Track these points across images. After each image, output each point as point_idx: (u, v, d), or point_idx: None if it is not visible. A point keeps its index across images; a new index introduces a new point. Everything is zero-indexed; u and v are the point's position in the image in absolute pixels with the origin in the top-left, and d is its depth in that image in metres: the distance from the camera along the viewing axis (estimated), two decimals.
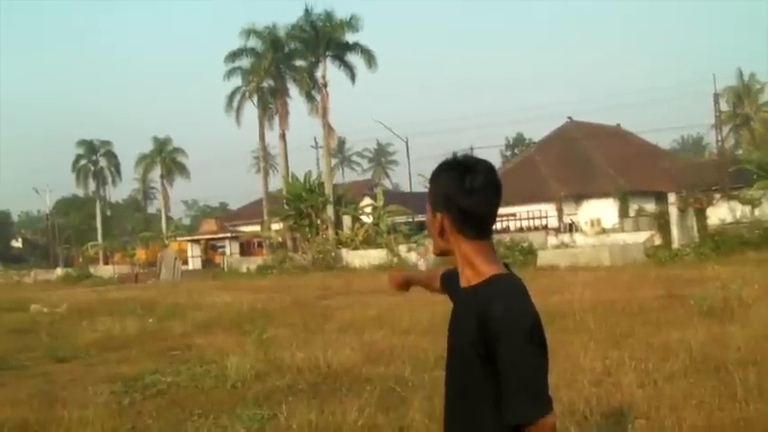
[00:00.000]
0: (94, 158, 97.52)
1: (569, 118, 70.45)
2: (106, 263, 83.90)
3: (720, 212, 44.42)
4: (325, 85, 61.10)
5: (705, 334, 12.65)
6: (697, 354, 11.02)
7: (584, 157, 61.26)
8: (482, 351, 2.65)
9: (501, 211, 2.92)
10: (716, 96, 59.74)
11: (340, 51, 61.50)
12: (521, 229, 54.77)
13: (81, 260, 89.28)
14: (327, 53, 61.34)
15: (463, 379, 2.78)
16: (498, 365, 2.61)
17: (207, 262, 76.22)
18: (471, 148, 76.31)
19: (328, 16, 60.02)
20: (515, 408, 2.60)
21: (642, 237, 42.24)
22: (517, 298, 2.71)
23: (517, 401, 2.60)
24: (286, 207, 60.44)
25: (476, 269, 2.81)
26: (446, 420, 2.97)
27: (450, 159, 2.91)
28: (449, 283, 3.19)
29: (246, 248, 76.38)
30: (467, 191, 2.77)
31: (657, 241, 40.52)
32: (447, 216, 2.82)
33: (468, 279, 2.84)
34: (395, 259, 46.20)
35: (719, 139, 61.36)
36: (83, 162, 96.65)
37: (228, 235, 77.63)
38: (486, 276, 2.78)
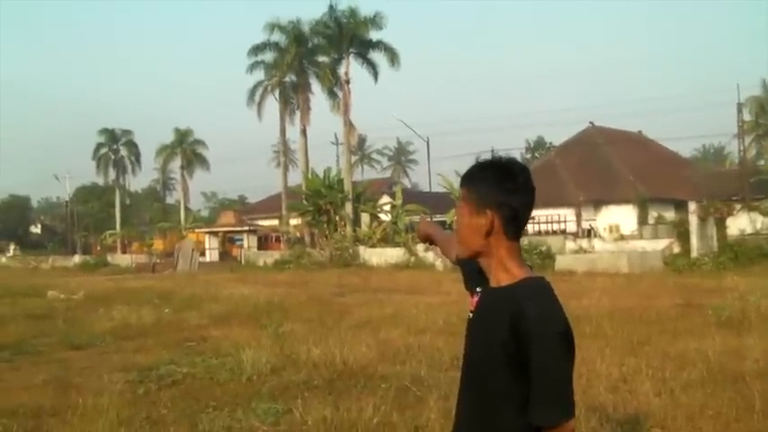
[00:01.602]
0: (115, 147, 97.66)
1: (591, 123, 70.31)
2: (124, 252, 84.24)
3: (740, 223, 44.27)
4: (347, 82, 61.06)
5: (723, 344, 12.61)
6: (714, 364, 10.98)
7: (604, 163, 61.15)
8: (512, 351, 2.66)
9: None
10: (739, 106, 59.32)
11: (363, 49, 61.44)
12: (539, 233, 54.61)
13: (99, 248, 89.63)
14: (351, 50, 61.29)
15: (487, 378, 2.77)
16: (528, 367, 2.63)
17: (224, 254, 76.26)
18: (492, 150, 76.22)
19: (352, 13, 59.97)
20: (542, 410, 2.63)
21: (661, 244, 42.06)
22: (550, 301, 2.72)
23: (544, 404, 2.63)
24: (305, 202, 60.51)
25: (509, 270, 2.83)
26: (461, 419, 2.99)
27: (494, 159, 2.94)
28: (469, 273, 3.15)
29: (264, 242, 76.39)
30: (515, 191, 2.82)
31: (676, 249, 40.34)
32: (498, 215, 2.82)
33: (499, 280, 2.85)
34: (412, 258, 46.21)
35: (741, 149, 60.99)
36: (103, 150, 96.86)
37: (246, 228, 77.68)
38: (519, 278, 2.80)
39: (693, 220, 39.21)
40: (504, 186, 2.82)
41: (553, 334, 2.63)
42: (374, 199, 65.28)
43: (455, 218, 2.92)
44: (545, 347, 2.61)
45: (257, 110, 67.98)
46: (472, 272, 3.08)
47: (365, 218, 60.56)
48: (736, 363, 11.12)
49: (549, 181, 56.98)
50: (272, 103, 68.36)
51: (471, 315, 2.98)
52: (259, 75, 67.49)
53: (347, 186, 59.37)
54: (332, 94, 63.24)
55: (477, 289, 2.99)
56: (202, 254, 70.87)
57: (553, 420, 2.63)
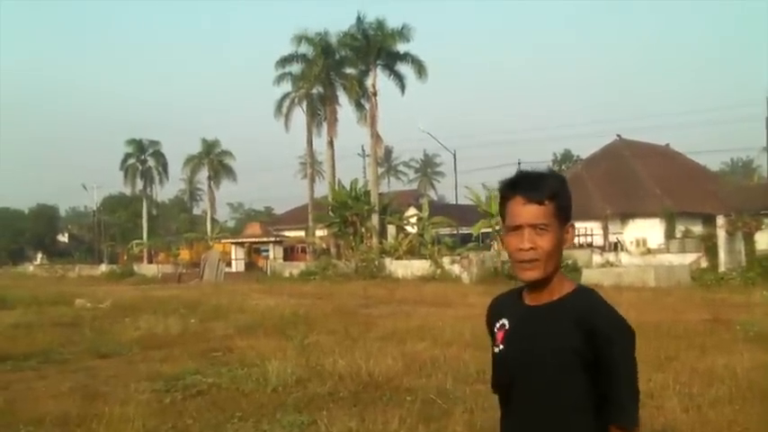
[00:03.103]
0: (143, 158, 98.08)
1: (618, 136, 70.07)
2: (150, 261, 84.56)
3: None
4: (374, 94, 61.00)
5: (751, 361, 12.48)
6: (743, 381, 10.86)
7: (631, 176, 60.89)
8: (590, 356, 2.68)
9: None
10: None
11: (390, 60, 61.40)
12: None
13: (125, 258, 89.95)
14: (378, 62, 61.27)
15: (561, 391, 2.75)
16: (607, 370, 2.67)
17: (250, 265, 76.41)
18: (519, 162, 76.13)
19: (380, 25, 59.93)
20: (629, 413, 2.68)
21: (688, 259, 41.82)
22: (611, 305, 2.79)
23: (630, 404, 2.68)
24: (331, 214, 60.55)
25: (561, 283, 2.88)
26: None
27: (548, 171, 2.98)
28: (494, 320, 3.07)
29: (290, 253, 76.47)
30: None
31: (704, 264, 40.11)
32: (574, 228, 2.91)
33: (551, 294, 2.86)
34: (438, 271, 46.06)
35: None
36: (131, 161, 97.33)
37: (272, 239, 77.78)
38: (572, 288, 2.86)
39: (721, 235, 38.99)
40: (571, 198, 2.87)
41: (629, 337, 2.72)
42: (400, 211, 65.27)
43: (535, 237, 2.80)
44: (626, 349, 2.69)
45: (284, 121, 68.10)
46: (499, 313, 3.06)
47: (391, 230, 60.48)
48: (765, 379, 11.00)
49: (575, 194, 54.80)
50: (299, 115, 68.47)
51: (501, 347, 2.95)
52: (286, 86, 67.64)
53: (374, 198, 59.37)
54: (359, 106, 63.26)
55: (500, 322, 2.99)
56: (228, 264, 71.02)
57: (636, 419, 2.69)
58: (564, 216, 2.83)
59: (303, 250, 73.62)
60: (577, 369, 2.70)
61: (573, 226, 2.87)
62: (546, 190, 2.80)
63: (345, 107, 65.74)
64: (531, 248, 2.79)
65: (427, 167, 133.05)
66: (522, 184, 2.84)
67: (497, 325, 2.99)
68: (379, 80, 61.78)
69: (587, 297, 2.81)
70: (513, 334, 2.91)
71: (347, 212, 57.88)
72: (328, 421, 8.98)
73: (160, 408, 10.45)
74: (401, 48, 60.68)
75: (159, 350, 16.46)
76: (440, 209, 69.21)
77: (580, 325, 2.69)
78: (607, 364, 2.66)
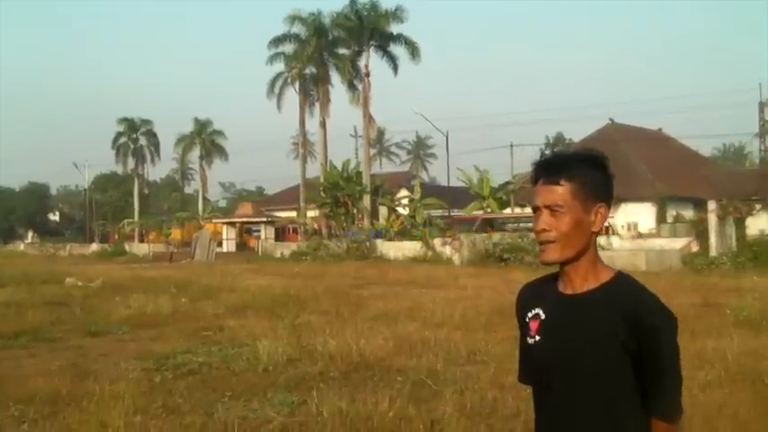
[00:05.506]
0: (134, 136, 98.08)
1: (611, 120, 70.11)
2: (141, 241, 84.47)
3: (760, 223, 43.91)
4: (367, 75, 61.09)
5: (741, 345, 12.47)
6: (733, 364, 10.87)
7: (623, 161, 60.67)
8: (633, 348, 2.59)
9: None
10: (761, 105, 59.03)
11: (384, 42, 61.44)
12: None
13: (117, 237, 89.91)
14: (371, 43, 61.30)
15: (599, 379, 2.65)
16: (652, 361, 2.59)
17: (241, 245, 76.34)
18: (511, 145, 76.10)
19: (373, 6, 60.10)
20: (673, 404, 2.63)
21: (679, 243, 41.83)
22: (655, 295, 2.69)
23: (673, 397, 2.62)
24: (323, 194, 60.46)
25: (597, 270, 2.78)
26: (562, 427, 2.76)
27: (588, 150, 2.87)
28: (525, 309, 2.93)
29: (281, 234, 76.33)
30: (613, 184, 2.81)
31: (695, 248, 40.12)
32: (605, 210, 2.77)
33: (586, 282, 2.77)
34: (429, 252, 46.05)
35: (762, 148, 60.64)
36: (123, 139, 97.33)
37: (264, 219, 77.61)
38: (610, 276, 2.76)
39: (712, 219, 38.98)
40: (610, 180, 2.78)
41: (673, 323, 2.63)
42: (392, 192, 65.27)
43: (551, 218, 2.73)
44: (670, 338, 2.60)
45: (277, 101, 68.17)
46: (533, 302, 2.92)
47: (383, 211, 60.51)
48: (754, 363, 11.03)
49: None
50: (292, 95, 68.50)
51: (537, 338, 2.82)
52: (279, 66, 67.67)
53: (365, 179, 59.35)
54: (352, 87, 63.32)
55: (534, 311, 2.87)
56: (220, 244, 70.94)
57: (680, 412, 2.63)
58: (590, 197, 2.72)
59: (294, 230, 73.54)
60: (621, 360, 2.61)
61: (604, 207, 2.75)
62: (561, 170, 2.73)
63: (338, 88, 65.93)
64: (545, 230, 2.73)
65: (419, 149, 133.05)
66: (543, 165, 2.79)
67: (530, 314, 2.88)
68: (372, 61, 61.99)
69: (629, 285, 2.70)
70: (550, 324, 2.80)
71: (339, 193, 57.79)
72: (319, 401, 8.95)
73: (150, 386, 10.43)
74: (394, 29, 60.91)
75: (150, 329, 16.46)
76: (432, 190, 69.23)
77: (623, 315, 2.60)
78: (651, 355, 2.58)
